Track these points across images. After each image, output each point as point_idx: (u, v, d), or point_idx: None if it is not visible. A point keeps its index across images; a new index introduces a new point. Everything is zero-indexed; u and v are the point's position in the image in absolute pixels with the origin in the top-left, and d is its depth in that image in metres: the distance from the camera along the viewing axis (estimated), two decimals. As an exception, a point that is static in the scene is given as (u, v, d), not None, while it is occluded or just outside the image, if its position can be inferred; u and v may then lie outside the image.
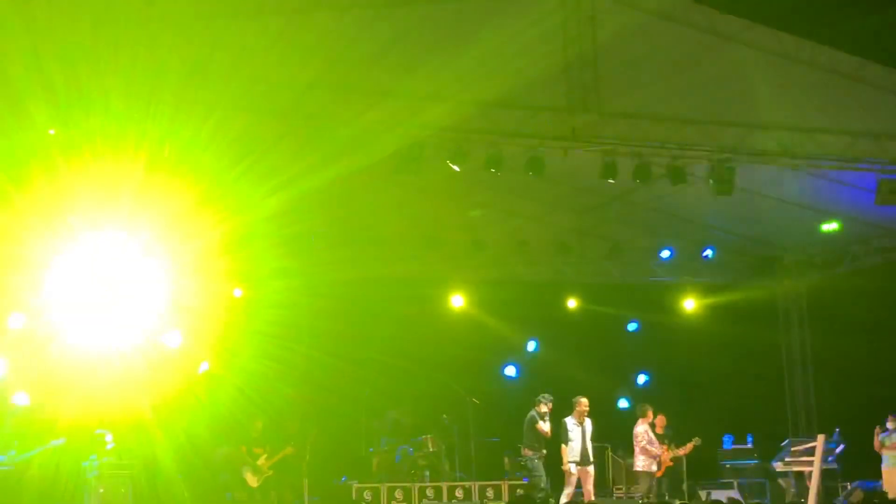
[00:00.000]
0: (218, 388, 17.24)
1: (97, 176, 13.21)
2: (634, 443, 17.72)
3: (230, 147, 13.08)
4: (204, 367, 17.44)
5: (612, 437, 19.55)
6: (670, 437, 18.28)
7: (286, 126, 13.11)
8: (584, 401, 16.94)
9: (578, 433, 16.76)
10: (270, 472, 17.37)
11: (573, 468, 16.68)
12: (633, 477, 19.45)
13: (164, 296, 15.82)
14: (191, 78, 11.80)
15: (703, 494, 18.22)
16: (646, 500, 17.00)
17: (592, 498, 16.61)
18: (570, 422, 16.81)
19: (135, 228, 14.85)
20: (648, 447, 17.56)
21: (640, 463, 17.65)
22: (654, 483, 17.73)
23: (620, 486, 19.67)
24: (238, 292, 18.46)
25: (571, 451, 16.67)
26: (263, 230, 16.98)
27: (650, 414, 17.87)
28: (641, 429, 17.75)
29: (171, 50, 11.54)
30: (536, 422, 16.79)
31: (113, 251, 15.14)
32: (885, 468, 18.12)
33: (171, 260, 15.52)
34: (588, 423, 16.90)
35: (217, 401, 17.22)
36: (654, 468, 17.68)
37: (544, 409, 16.83)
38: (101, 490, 15.37)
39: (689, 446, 17.82)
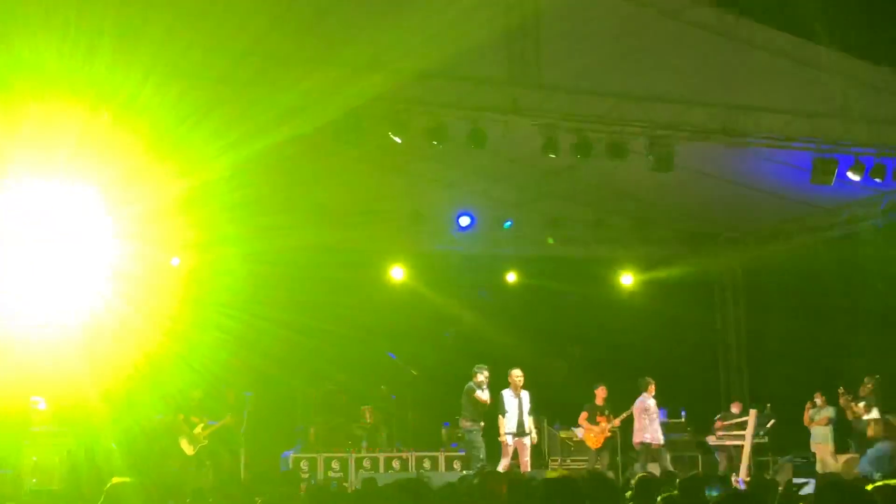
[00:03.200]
0: (156, 356, 17.11)
1: (33, 140, 13.02)
2: (643, 416, 17.82)
3: (167, 113, 12.93)
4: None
5: (549, 409, 19.70)
6: (609, 408, 18.48)
7: (223, 92, 12.98)
8: (515, 372, 17.08)
9: (515, 405, 16.88)
10: (206, 442, 17.32)
11: (510, 440, 16.81)
12: (568, 447, 19.67)
13: (102, 263, 15.66)
14: (125, 41, 11.65)
15: (637, 467, 18.42)
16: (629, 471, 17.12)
17: (528, 469, 16.75)
18: (506, 394, 16.94)
19: (72, 195, 14.67)
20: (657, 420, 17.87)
21: (648, 436, 17.81)
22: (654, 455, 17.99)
23: (556, 458, 19.85)
24: (176, 261, 18.33)
25: (508, 423, 16.81)
26: (202, 197, 16.83)
27: (652, 387, 18.07)
28: (652, 402, 17.95)
29: (106, 13, 11.38)
30: (474, 391, 16.88)
31: (50, 218, 14.96)
32: (814, 442, 18.48)
33: (109, 226, 15.36)
34: (525, 395, 17.03)
35: (155, 368, 17.10)
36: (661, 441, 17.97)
37: (480, 378, 16.92)
38: (35, 458, 15.24)
39: (626, 414, 18.05)
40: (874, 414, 18.06)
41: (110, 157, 13.66)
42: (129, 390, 16.54)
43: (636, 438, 17.93)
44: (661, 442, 17.92)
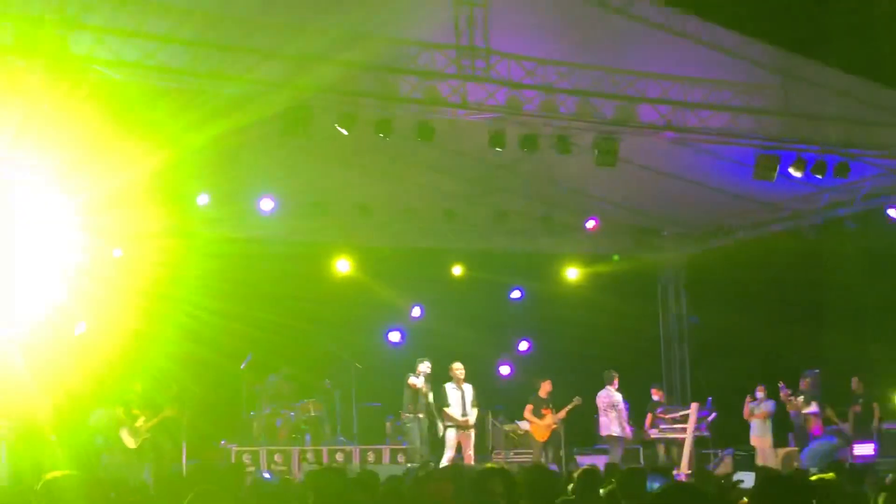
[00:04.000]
0: (98, 348, 16.91)
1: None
2: (611, 410, 17.92)
3: (111, 102, 12.78)
4: (81, 327, 17.14)
5: (493, 402, 19.77)
6: (553, 402, 18.58)
7: (168, 82, 12.84)
8: (456, 365, 17.20)
9: (457, 397, 16.95)
10: (148, 434, 17.16)
11: (452, 432, 16.87)
12: (511, 440, 19.74)
13: (42, 254, 15.44)
14: (71, 30, 11.51)
15: (580, 460, 18.55)
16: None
17: (472, 462, 16.81)
18: (449, 387, 17.02)
19: (11, 184, 14.47)
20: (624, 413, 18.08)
21: (618, 429, 17.91)
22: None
23: (500, 451, 19.92)
24: (118, 252, 18.13)
25: (452, 414, 16.90)
26: (146, 188, 16.68)
27: (617, 380, 18.21)
28: (619, 395, 18.08)
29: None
30: (408, 378, 16.95)
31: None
32: (753, 436, 18.72)
33: (50, 216, 15.15)
34: (468, 388, 17.09)
35: (97, 360, 16.90)
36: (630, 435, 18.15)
37: (419, 368, 16.98)
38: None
39: (570, 406, 18.16)
40: (813, 408, 18.34)
41: (53, 147, 13.48)
42: (70, 383, 16.33)
43: (604, 432, 18.03)
44: (631, 436, 18.12)
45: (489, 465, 15.05)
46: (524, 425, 19.30)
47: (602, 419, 18.08)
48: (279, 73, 12.75)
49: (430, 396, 17.09)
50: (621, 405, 18.15)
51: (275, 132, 13.92)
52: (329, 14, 12.62)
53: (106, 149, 14.12)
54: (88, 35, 11.86)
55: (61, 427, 15.84)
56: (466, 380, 17.24)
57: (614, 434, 17.92)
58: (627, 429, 18.26)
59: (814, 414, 18.34)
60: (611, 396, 18.06)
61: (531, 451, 18.86)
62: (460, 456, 16.95)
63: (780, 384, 18.62)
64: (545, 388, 18.44)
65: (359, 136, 14.23)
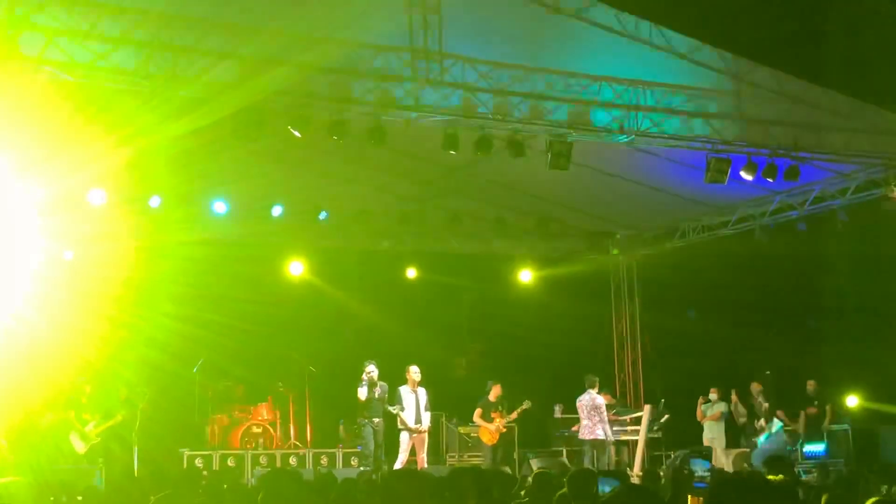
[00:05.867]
0: (48, 351, 16.71)
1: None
2: (594, 413, 17.88)
3: (65, 103, 12.65)
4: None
5: (447, 406, 19.76)
6: (504, 405, 18.58)
7: (122, 83, 12.73)
8: (413, 368, 17.15)
9: (412, 401, 16.91)
10: (98, 440, 16.98)
11: (406, 436, 16.83)
12: (465, 443, 19.72)
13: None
14: (21, 30, 11.38)
15: (533, 463, 18.58)
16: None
17: (425, 465, 16.80)
18: (403, 390, 16.98)
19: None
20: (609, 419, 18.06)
21: (602, 432, 17.87)
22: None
23: (454, 454, 19.91)
24: (69, 255, 17.95)
25: (405, 419, 16.84)
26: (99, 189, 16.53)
27: (597, 385, 18.21)
28: (601, 399, 18.05)
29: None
30: (357, 388, 16.91)
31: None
32: (706, 437, 18.85)
33: (4, 219, 14.96)
34: (422, 391, 17.06)
35: (47, 364, 16.69)
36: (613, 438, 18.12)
37: (364, 375, 16.87)
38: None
39: (520, 410, 18.16)
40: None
41: (4, 149, 13.31)
42: (20, 387, 16.12)
43: (586, 435, 17.94)
44: (612, 440, 18.13)
45: (461, 465, 15.09)
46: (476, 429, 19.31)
47: (585, 423, 18.01)
48: (233, 75, 12.68)
49: (386, 397, 16.98)
50: (604, 409, 18.11)
51: (228, 134, 13.82)
52: (283, 16, 12.58)
53: (58, 151, 13.96)
54: (39, 36, 11.73)
55: (11, 431, 15.64)
56: (421, 382, 17.21)
57: (599, 438, 17.87)
58: (609, 431, 18.24)
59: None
60: (593, 400, 18.02)
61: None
62: (413, 459, 16.93)
63: (733, 395, 18.71)
64: (495, 392, 18.39)
65: (312, 138, 14.17)
